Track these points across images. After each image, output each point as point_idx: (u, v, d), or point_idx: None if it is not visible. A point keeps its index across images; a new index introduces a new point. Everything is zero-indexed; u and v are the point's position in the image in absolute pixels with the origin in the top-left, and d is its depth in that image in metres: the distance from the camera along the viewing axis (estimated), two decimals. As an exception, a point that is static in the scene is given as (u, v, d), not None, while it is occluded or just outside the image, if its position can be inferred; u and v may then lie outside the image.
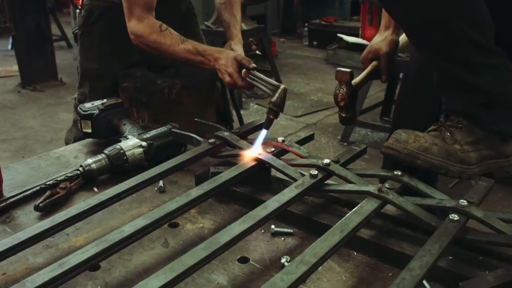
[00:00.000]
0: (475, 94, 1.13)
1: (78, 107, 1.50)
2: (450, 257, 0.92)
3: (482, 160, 1.13)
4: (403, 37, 1.58)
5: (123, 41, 2.03)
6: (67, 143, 2.15)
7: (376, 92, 4.82)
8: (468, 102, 1.14)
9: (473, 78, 1.11)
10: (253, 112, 4.57)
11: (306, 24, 7.18)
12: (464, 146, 1.12)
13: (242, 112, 4.51)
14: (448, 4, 1.07)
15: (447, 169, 1.10)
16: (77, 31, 2.10)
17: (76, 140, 2.06)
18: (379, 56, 1.50)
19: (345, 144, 3.87)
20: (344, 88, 1.37)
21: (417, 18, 1.11)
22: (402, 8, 1.12)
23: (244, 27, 4.75)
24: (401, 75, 4.68)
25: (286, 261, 0.96)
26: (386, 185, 1.05)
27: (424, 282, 0.87)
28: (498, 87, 1.12)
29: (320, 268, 0.91)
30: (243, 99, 4.81)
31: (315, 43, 7.09)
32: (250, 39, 5.77)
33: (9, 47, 6.98)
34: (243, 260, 1.00)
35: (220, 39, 5.16)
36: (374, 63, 1.51)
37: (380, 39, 1.54)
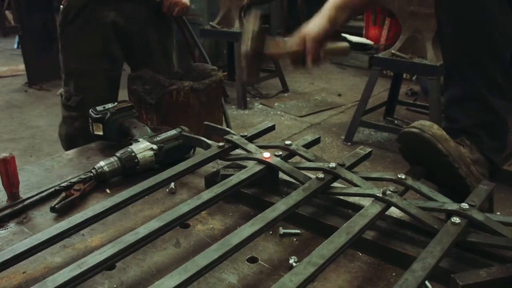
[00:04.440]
0: (486, 112, 1.20)
1: (90, 110, 1.54)
2: (451, 259, 0.96)
3: (477, 179, 1.18)
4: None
5: (100, 38, 2.11)
6: (60, 139, 2.23)
7: (380, 92, 4.85)
8: (476, 120, 1.22)
9: (490, 96, 1.20)
10: (258, 112, 4.61)
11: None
12: (468, 159, 1.17)
13: (246, 112, 4.58)
14: (492, 5, 1.16)
15: (459, 165, 1.14)
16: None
17: (67, 136, 2.15)
18: (304, 40, 1.35)
19: (349, 144, 3.91)
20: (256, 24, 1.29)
21: (466, 14, 1.19)
22: (453, 7, 1.20)
23: (249, 27, 4.78)
24: (404, 75, 4.71)
25: (294, 261, 1.00)
26: (390, 188, 1.08)
27: (427, 282, 0.91)
28: (504, 113, 1.20)
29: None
30: (248, 99, 4.84)
31: (319, 42, 7.11)
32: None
33: (15, 46, 7.05)
34: (253, 260, 1.03)
35: (225, 39, 5.20)
36: (295, 45, 1.36)
37: (311, 24, 1.38)
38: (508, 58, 1.22)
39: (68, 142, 2.15)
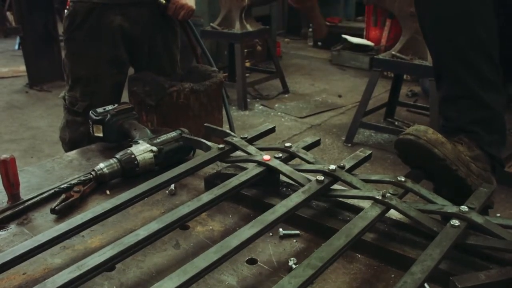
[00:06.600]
0: (480, 108, 1.19)
1: (90, 112, 1.54)
2: (450, 261, 0.96)
3: (479, 176, 1.17)
4: None
5: (108, 43, 2.09)
6: (62, 142, 2.21)
7: (381, 93, 4.85)
8: (471, 117, 1.20)
9: (481, 92, 1.18)
10: (258, 113, 4.61)
11: (311, 25, 7.21)
12: (467, 157, 1.17)
13: (247, 113, 4.58)
14: (475, 4, 1.15)
15: (457, 167, 1.14)
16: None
17: (71, 140, 2.13)
18: None
19: (349, 145, 3.91)
20: None
21: (447, 12, 1.19)
22: (433, 4, 1.20)
23: (249, 29, 4.79)
24: (405, 76, 4.71)
25: (293, 263, 1.00)
26: (390, 190, 1.09)
27: (426, 285, 0.91)
28: (498, 107, 1.18)
29: (325, 270, 0.95)
30: (248, 100, 4.85)
31: (319, 43, 7.14)
32: (255, 40, 5.82)
33: (16, 47, 7.06)
34: (252, 261, 1.04)
35: (226, 40, 5.21)
36: None
37: None
38: (496, 52, 1.20)
39: (72, 146, 2.11)
